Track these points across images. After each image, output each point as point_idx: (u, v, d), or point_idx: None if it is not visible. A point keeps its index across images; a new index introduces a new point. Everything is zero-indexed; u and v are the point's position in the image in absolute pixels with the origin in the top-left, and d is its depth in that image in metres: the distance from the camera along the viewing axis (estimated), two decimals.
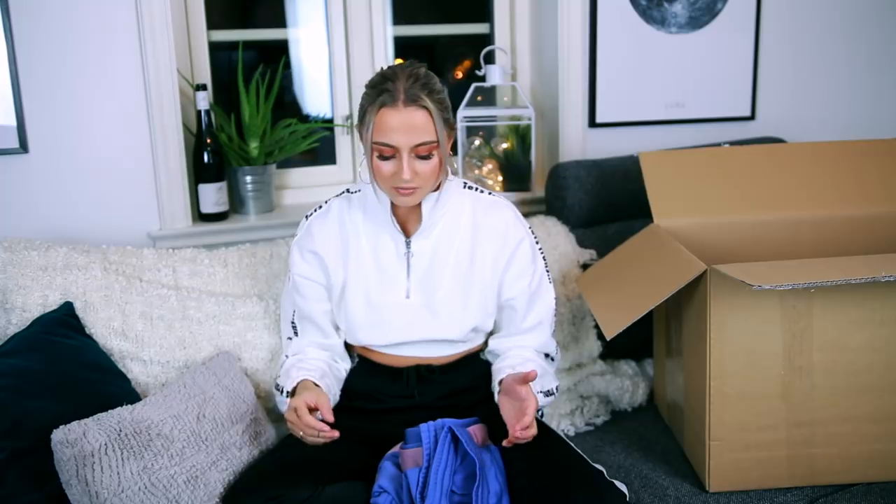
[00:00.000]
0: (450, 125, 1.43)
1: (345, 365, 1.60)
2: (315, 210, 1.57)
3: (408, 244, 1.50)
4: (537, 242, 1.58)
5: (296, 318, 1.58)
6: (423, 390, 1.54)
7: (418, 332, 1.51)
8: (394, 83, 1.36)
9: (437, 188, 1.47)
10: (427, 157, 1.38)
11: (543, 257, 1.59)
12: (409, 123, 1.35)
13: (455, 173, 1.66)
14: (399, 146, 1.36)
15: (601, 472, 1.37)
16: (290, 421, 1.35)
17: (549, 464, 1.36)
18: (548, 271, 1.60)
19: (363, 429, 1.50)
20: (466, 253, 1.52)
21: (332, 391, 1.50)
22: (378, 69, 1.46)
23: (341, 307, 1.54)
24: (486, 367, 1.58)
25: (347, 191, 1.58)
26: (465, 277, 1.51)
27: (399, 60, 2.31)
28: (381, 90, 1.37)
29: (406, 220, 1.51)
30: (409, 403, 1.54)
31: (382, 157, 1.38)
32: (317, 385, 1.45)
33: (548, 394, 1.53)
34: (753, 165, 1.87)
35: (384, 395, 1.54)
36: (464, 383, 1.56)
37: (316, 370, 1.50)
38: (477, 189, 1.57)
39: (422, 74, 1.39)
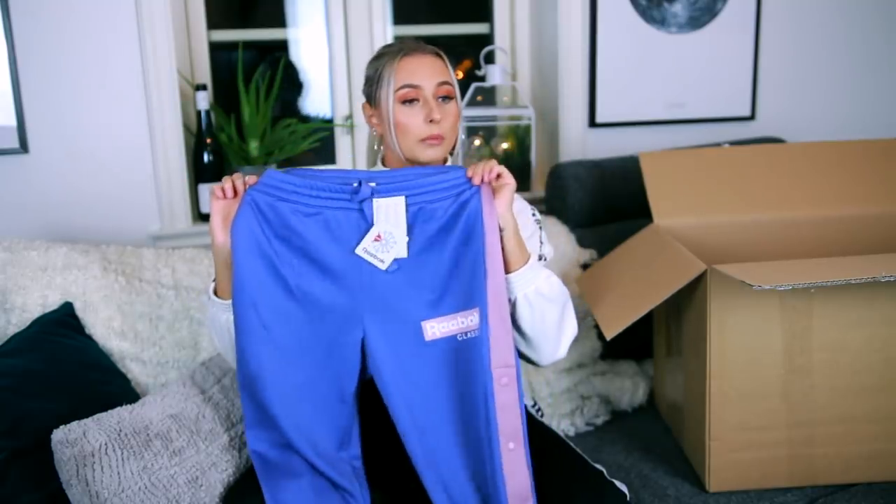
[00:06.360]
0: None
1: None
2: None
3: None
4: (534, 215, 1.50)
5: None
6: None
7: None
8: (405, 43, 1.42)
9: (451, 151, 1.48)
10: (449, 100, 1.40)
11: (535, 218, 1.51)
12: (430, 65, 1.39)
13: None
14: (423, 86, 1.37)
15: (601, 472, 1.36)
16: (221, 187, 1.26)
17: (549, 464, 1.36)
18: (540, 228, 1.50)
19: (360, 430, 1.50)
20: None
21: None
22: None
23: None
24: None
25: None
26: None
27: None
28: (397, 48, 1.41)
29: None
30: None
31: (407, 102, 1.37)
32: None
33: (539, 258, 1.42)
34: (753, 165, 1.87)
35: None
36: None
37: None
38: None
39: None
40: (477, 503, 1.23)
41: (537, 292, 1.28)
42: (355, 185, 1.23)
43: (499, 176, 1.25)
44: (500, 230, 1.24)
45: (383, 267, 1.23)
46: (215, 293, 1.32)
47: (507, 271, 1.25)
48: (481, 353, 1.20)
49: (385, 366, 1.24)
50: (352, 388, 1.27)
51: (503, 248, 1.24)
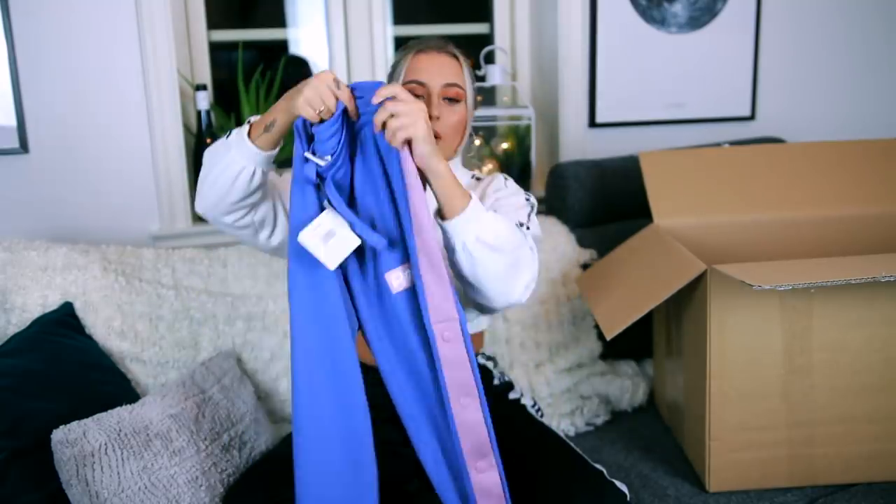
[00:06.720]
0: (474, 91, 1.48)
1: None
2: None
3: None
4: (528, 199, 1.48)
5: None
6: None
7: None
8: (426, 41, 1.45)
9: (454, 154, 1.47)
10: (455, 102, 1.41)
11: (528, 201, 1.48)
12: (440, 64, 1.41)
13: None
14: (429, 84, 1.39)
15: (601, 472, 1.36)
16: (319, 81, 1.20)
17: (549, 464, 1.36)
18: (531, 212, 1.46)
19: None
20: None
21: None
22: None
23: None
24: (484, 372, 1.58)
25: None
26: None
27: None
28: (416, 44, 1.44)
29: None
30: None
31: None
32: None
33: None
34: (753, 165, 1.87)
35: (378, 406, 1.40)
36: None
37: None
38: (477, 177, 1.56)
39: (451, 42, 1.48)
40: (440, 457, 1.22)
41: (478, 240, 1.20)
42: (307, 155, 1.21)
43: (387, 125, 1.16)
44: (426, 181, 1.20)
45: (331, 268, 1.16)
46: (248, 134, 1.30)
47: (442, 219, 1.21)
48: (420, 308, 1.17)
49: (367, 323, 1.22)
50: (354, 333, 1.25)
51: (436, 196, 1.20)
